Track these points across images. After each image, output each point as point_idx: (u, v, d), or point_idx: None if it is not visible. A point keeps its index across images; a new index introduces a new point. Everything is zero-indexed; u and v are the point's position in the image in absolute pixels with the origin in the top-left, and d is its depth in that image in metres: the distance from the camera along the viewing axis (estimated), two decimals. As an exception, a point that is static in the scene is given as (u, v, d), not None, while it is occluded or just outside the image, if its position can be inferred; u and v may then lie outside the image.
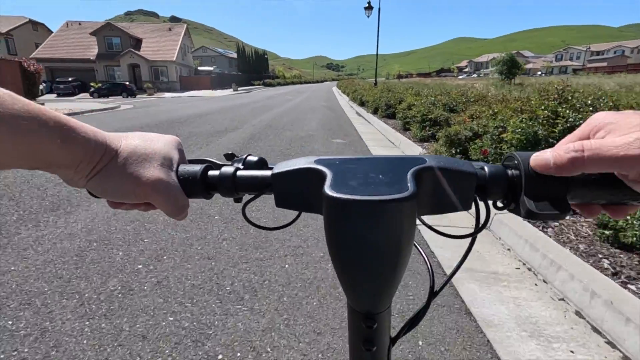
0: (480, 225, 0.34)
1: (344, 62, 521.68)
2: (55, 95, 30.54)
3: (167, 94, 32.97)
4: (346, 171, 0.31)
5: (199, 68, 49.33)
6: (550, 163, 0.30)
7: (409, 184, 0.28)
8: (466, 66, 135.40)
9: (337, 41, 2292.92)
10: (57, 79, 32.74)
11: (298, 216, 0.39)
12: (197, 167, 0.37)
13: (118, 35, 37.40)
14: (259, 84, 56.87)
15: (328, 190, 0.28)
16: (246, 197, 0.39)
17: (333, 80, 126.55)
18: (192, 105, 17.90)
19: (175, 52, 38.73)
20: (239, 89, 41.54)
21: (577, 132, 0.32)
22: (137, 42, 39.46)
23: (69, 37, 38.17)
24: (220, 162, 0.40)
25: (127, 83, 30.39)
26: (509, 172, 0.33)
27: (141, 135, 0.38)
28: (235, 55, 68.34)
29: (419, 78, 78.65)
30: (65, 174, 0.33)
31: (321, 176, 0.30)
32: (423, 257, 0.42)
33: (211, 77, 41.42)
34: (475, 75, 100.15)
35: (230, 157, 0.41)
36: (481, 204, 0.34)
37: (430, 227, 0.38)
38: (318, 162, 0.32)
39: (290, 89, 46.05)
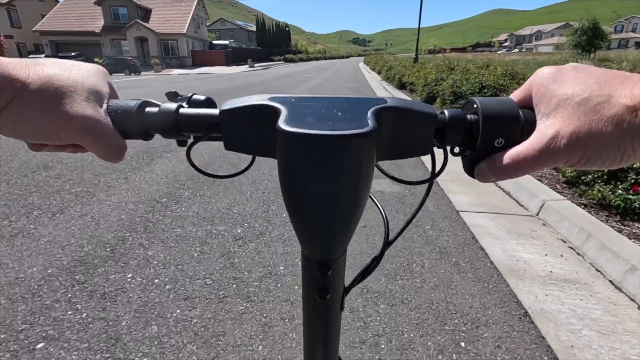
0: (436, 172, 0.33)
1: (371, 36, 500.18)
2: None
3: (176, 71, 29.78)
4: (303, 108, 0.28)
5: (214, 42, 45.60)
6: (490, 176, 0.31)
7: (369, 121, 0.26)
8: (505, 40, 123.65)
9: (364, 14, 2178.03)
10: (59, 55, 30.10)
11: (252, 162, 0.36)
12: (132, 103, 0.32)
13: (125, 4, 34.01)
14: (279, 60, 52.53)
15: (282, 125, 0.25)
16: (191, 140, 0.35)
17: (359, 55, 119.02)
18: (190, 86, 14.52)
19: (187, 24, 35.13)
20: (256, 65, 37.71)
21: (522, 89, 0.32)
22: (147, 13, 36.09)
23: (74, 8, 35.23)
24: (159, 102, 0.35)
25: (130, 58, 27.25)
26: (468, 116, 0.32)
27: (57, 62, 0.31)
28: (255, 29, 63.84)
29: (456, 53, 71.42)
30: None
31: (275, 113, 0.28)
32: (378, 207, 0.40)
33: (226, 52, 37.60)
34: (516, 49, 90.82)
35: (173, 96, 0.37)
36: (439, 152, 0.33)
37: (386, 174, 0.37)
38: (272, 99, 0.30)
39: (312, 65, 41.67)
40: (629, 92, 0.25)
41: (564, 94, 0.27)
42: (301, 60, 57.96)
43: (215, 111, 0.32)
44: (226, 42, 47.76)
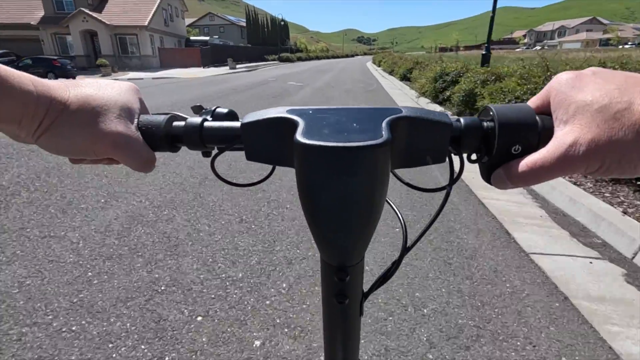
0: (454, 178, 0.33)
1: (376, 35, 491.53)
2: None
3: (132, 74, 22.64)
4: (319, 120, 0.29)
5: (192, 38, 38.18)
6: (507, 183, 0.30)
7: (383, 132, 0.27)
8: (524, 36, 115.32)
9: (368, 13, 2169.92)
10: (-24, 53, 22.97)
11: (272, 171, 0.38)
12: (161, 118, 0.34)
13: (70, -10, 26.88)
14: (273, 59, 45.22)
15: (300, 137, 0.26)
16: (215, 151, 0.37)
17: (365, 54, 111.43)
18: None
19: (150, 15, 27.85)
20: (241, 66, 30.43)
21: (540, 95, 0.31)
22: (101, 2, 28.84)
23: (10, -5, 28.13)
24: (186, 116, 0.37)
25: (56, 59, 19.98)
26: (484, 124, 0.32)
27: (92, 83, 0.33)
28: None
29: (469, 51, 63.65)
30: (7, 130, 0.29)
31: (293, 125, 0.29)
32: (396, 212, 0.40)
33: (202, 50, 30.20)
34: (538, 47, 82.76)
35: (198, 110, 0.39)
36: (456, 159, 0.33)
37: (402, 181, 0.38)
38: (290, 111, 0.31)
39: (310, 65, 34.29)
40: None
41: (583, 101, 0.27)
42: (300, 59, 50.59)
43: (237, 124, 0.34)
44: (206, 38, 40.23)
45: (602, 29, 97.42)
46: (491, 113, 0.31)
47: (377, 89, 11.92)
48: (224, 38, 53.70)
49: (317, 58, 61.02)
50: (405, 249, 0.37)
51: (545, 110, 0.30)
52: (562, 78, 0.29)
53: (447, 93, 6.99)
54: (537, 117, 0.30)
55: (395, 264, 0.37)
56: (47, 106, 0.29)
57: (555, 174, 0.27)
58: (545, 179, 0.28)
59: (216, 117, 0.36)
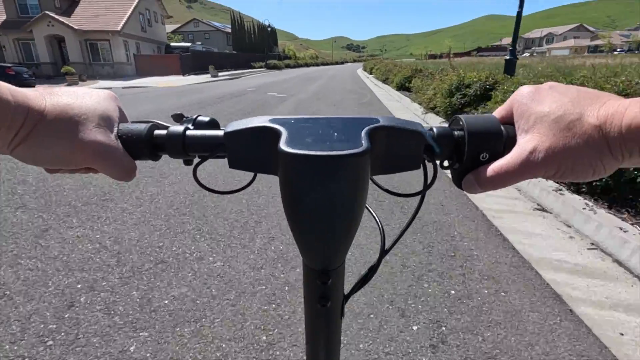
0: (428, 184, 0.35)
1: (365, 42, 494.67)
2: None
3: (104, 82, 20.68)
4: (301, 129, 0.30)
5: (173, 44, 36.09)
6: (477, 187, 0.33)
7: (363, 141, 0.28)
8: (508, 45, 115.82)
9: (358, 20, 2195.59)
10: None
11: (254, 178, 0.38)
12: (142, 126, 0.34)
13: (35, -8, 24.65)
14: (260, 66, 43.32)
15: (284, 146, 0.27)
16: (197, 159, 0.37)
17: (355, 61, 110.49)
18: None
19: (124, 19, 25.79)
20: (222, 74, 28.50)
21: (504, 107, 0.34)
22: (71, 5, 26.67)
23: (-31, -2, 25.76)
24: (167, 124, 0.37)
25: (10, 66, 17.76)
26: (455, 133, 0.34)
27: (70, 91, 0.32)
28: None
29: (463, 58, 62.87)
30: None
31: (276, 135, 0.30)
32: (374, 217, 0.42)
33: (181, 57, 28.06)
34: (526, 54, 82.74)
35: (179, 118, 0.38)
36: (429, 165, 0.35)
37: (380, 187, 0.39)
38: (273, 121, 0.32)
39: (299, 73, 32.54)
40: (596, 112, 0.27)
41: (542, 112, 0.29)
42: (288, 66, 48.78)
43: (220, 132, 0.34)
44: (188, 44, 38.14)
45: (589, 35, 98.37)
46: (461, 123, 0.33)
47: (371, 101, 10.13)
48: (209, 45, 51.71)
49: (306, 65, 59.23)
50: (384, 252, 0.38)
51: (509, 120, 0.33)
52: (524, 91, 0.32)
53: (472, 111, 5.17)
54: (502, 127, 0.32)
55: (375, 267, 0.38)
56: (24, 116, 0.28)
57: (519, 178, 0.30)
58: (510, 182, 0.31)
59: (198, 125, 0.36)
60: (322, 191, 0.27)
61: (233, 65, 38.70)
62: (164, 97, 12.20)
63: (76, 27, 24.07)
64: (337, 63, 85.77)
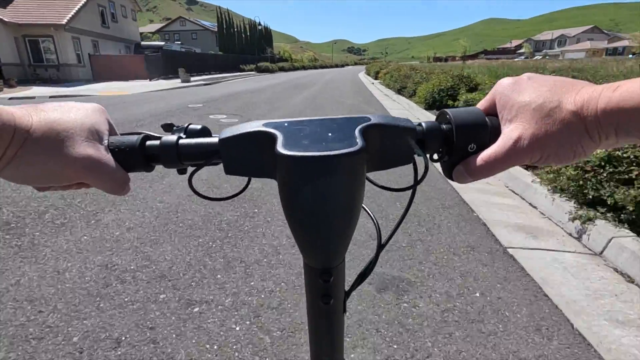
0: (419, 178, 0.35)
1: (366, 45, 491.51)
2: None
3: (40, 89, 15.87)
4: (296, 132, 0.31)
5: (144, 43, 31.17)
6: (467, 177, 0.34)
7: (357, 140, 0.29)
8: (519, 46, 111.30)
9: (359, 24, 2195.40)
10: None
11: (248, 183, 0.39)
12: (134, 138, 0.34)
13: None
14: (250, 69, 38.49)
15: (281, 149, 0.28)
16: (190, 168, 0.37)
17: (356, 64, 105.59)
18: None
19: (72, 11, 20.97)
20: (197, 78, 23.68)
21: (487, 99, 0.35)
22: (10, -5, 21.87)
23: None
24: (159, 134, 0.36)
25: None
26: (443, 126, 0.35)
27: (57, 106, 0.31)
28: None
29: (474, 60, 58.18)
30: None
31: (271, 138, 0.30)
32: (369, 214, 0.42)
33: (146, 57, 23.07)
34: (538, 56, 78.11)
35: (169, 128, 0.38)
36: (420, 160, 0.36)
37: (375, 184, 0.40)
38: (267, 125, 0.32)
39: (291, 77, 27.71)
40: (573, 99, 0.28)
41: (523, 102, 0.31)
42: (282, 70, 43.95)
43: (214, 140, 0.34)
44: (161, 43, 33.27)
45: (604, 38, 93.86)
46: (448, 116, 0.34)
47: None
48: (196, 45, 46.89)
49: (304, 68, 54.49)
50: (380, 247, 0.38)
51: (492, 112, 0.34)
52: (504, 83, 0.33)
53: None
54: (486, 118, 0.34)
55: (373, 262, 0.39)
56: (11, 135, 0.27)
57: (506, 165, 0.31)
58: (498, 170, 0.32)
59: (190, 134, 0.36)
60: (322, 191, 0.28)
61: (218, 67, 33.86)
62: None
63: (8, 20, 19.22)
64: (337, 66, 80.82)
